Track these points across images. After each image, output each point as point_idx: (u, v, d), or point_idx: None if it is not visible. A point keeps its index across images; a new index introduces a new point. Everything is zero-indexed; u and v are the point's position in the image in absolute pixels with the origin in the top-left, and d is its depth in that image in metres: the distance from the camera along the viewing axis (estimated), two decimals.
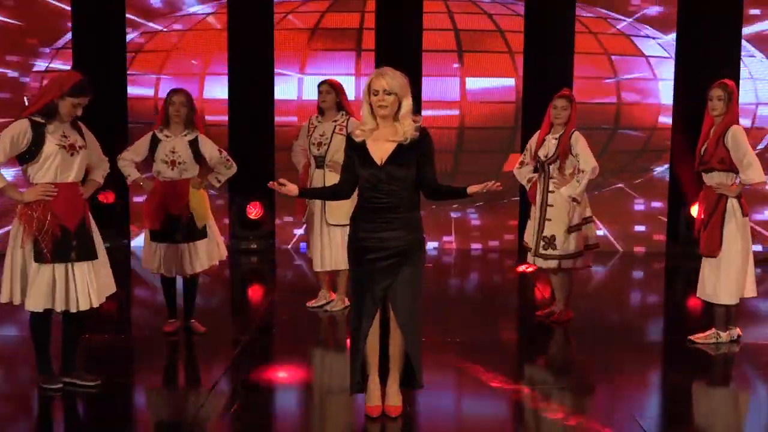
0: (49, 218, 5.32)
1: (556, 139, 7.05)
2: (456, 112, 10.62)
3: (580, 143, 7.00)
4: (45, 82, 8.73)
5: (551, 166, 7.08)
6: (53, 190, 5.33)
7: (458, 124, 10.62)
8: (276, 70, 10.55)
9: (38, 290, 5.35)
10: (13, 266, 5.37)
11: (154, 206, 6.64)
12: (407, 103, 4.96)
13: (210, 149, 6.71)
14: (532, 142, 7.23)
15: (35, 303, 5.38)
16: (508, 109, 10.57)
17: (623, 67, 10.61)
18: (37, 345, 5.56)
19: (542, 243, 7.15)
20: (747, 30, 10.36)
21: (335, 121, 7.36)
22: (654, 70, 10.56)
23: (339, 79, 7.63)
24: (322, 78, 7.71)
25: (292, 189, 5.09)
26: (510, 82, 10.50)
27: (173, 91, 6.73)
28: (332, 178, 6.84)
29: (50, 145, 5.32)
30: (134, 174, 6.70)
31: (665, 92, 10.52)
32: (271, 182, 5.08)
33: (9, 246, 5.40)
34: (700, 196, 6.69)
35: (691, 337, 6.77)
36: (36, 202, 5.32)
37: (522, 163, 7.30)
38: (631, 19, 10.55)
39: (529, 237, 7.31)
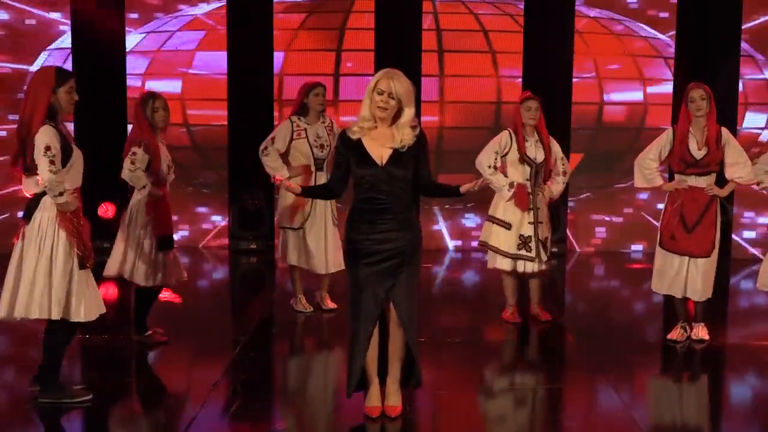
0: (82, 223, 5.30)
1: (538, 141, 7.07)
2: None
3: (557, 145, 7.18)
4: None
5: (541, 170, 7.12)
6: (77, 197, 5.29)
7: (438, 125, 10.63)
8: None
9: (91, 297, 5.29)
10: (64, 279, 5.21)
11: (167, 211, 6.57)
12: (409, 112, 4.92)
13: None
14: (503, 146, 7.03)
15: (89, 312, 5.30)
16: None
17: (645, 69, 10.62)
18: (57, 358, 5.39)
19: (541, 246, 7.14)
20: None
21: (323, 122, 7.38)
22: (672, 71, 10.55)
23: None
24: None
25: (296, 187, 5.13)
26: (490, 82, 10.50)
27: (156, 96, 6.52)
28: None
29: (76, 149, 5.29)
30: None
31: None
32: (278, 177, 5.00)
33: (52, 260, 5.20)
34: (679, 198, 6.63)
35: (669, 336, 6.81)
36: (75, 211, 5.26)
37: (495, 168, 7.02)
38: (664, 36, 10.54)
39: (510, 245, 7.09)
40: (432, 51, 10.54)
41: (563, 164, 7.26)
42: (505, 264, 7.13)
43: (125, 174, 6.37)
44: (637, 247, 10.79)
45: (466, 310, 8.09)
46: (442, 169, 10.24)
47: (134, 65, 10.58)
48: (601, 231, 10.85)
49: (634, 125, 10.65)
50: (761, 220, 10.58)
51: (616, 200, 10.78)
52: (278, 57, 10.55)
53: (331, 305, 7.63)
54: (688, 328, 6.80)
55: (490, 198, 7.27)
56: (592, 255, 10.71)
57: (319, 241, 7.39)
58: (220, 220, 10.83)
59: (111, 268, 6.50)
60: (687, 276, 6.64)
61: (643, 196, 10.59)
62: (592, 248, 10.80)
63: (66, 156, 5.20)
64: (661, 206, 10.29)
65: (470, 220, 10.86)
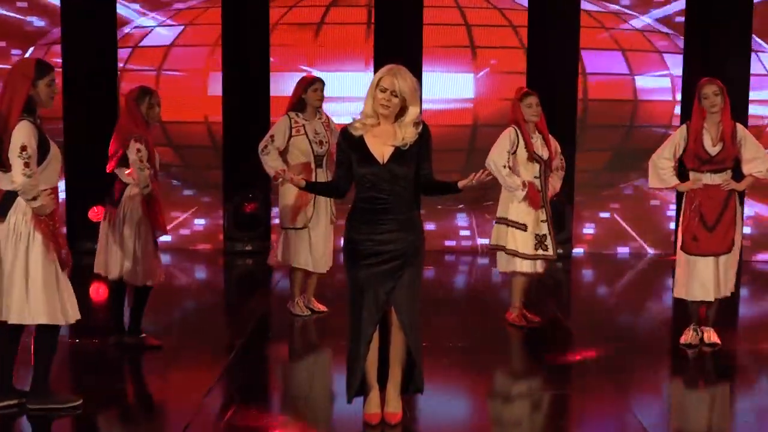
0: (58, 227, 5.17)
1: (542, 138, 7.01)
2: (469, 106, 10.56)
3: (555, 141, 7.15)
4: None
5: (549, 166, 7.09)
6: (54, 198, 5.16)
7: (472, 121, 10.53)
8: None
9: (73, 298, 5.19)
10: (48, 283, 5.08)
11: (161, 209, 6.48)
12: (414, 111, 4.85)
13: None
14: (512, 143, 6.91)
15: (75, 312, 5.21)
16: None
17: (638, 64, 10.51)
18: (48, 362, 5.27)
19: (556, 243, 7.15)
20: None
21: (320, 118, 7.31)
22: (668, 66, 10.45)
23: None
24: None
25: (300, 181, 5.08)
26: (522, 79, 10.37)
27: (152, 91, 6.45)
28: None
29: (53, 145, 5.16)
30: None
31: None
32: (281, 169, 4.94)
33: (27, 264, 5.05)
34: (697, 198, 6.51)
35: (682, 340, 6.71)
36: (51, 213, 5.12)
37: (510, 168, 6.90)
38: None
39: (528, 246, 7.00)
40: (465, 47, 10.44)
41: (561, 159, 7.27)
42: (525, 266, 7.04)
43: (138, 173, 6.21)
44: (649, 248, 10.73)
45: (468, 313, 8.03)
46: (473, 167, 10.17)
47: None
48: (607, 231, 10.75)
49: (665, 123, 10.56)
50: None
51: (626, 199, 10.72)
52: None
53: (321, 308, 7.55)
54: (699, 331, 6.68)
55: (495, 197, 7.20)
56: (599, 256, 10.63)
57: (321, 240, 7.32)
58: (214, 221, 10.76)
59: (113, 269, 6.36)
60: (717, 276, 6.54)
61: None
62: (600, 249, 10.71)
63: (43, 153, 5.06)
64: (654, 202, 10.46)
65: (461, 220, 10.81)
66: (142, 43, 10.56)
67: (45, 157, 5.07)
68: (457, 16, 10.46)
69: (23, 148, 4.93)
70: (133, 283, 6.40)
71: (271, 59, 10.37)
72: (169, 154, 10.09)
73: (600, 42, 10.49)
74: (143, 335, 6.51)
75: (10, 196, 5.07)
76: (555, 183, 7.22)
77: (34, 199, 5.00)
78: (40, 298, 5.04)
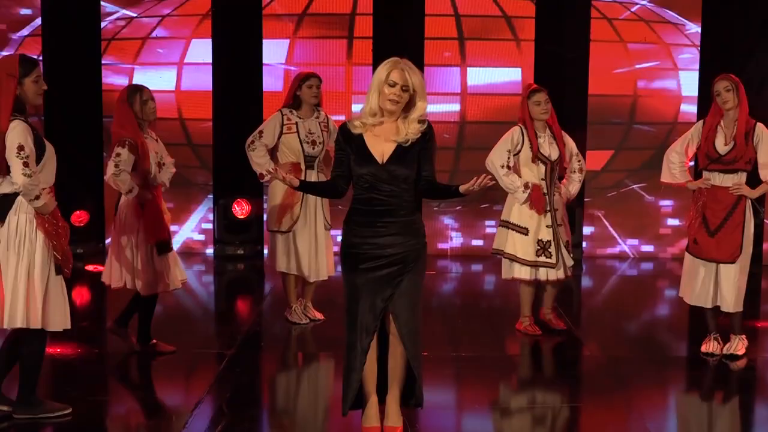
0: (61, 225, 5.11)
1: (551, 137, 6.80)
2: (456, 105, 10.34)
3: (571, 140, 6.95)
4: None
5: (557, 167, 6.86)
6: (53, 197, 5.08)
7: (459, 118, 10.34)
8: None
9: (63, 307, 5.11)
10: (38, 285, 5.00)
11: (159, 213, 6.34)
12: (422, 106, 4.73)
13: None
14: (515, 143, 6.73)
15: (62, 321, 5.10)
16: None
17: (642, 57, 10.31)
18: (36, 371, 5.20)
19: (563, 250, 6.88)
20: None
21: (317, 117, 7.12)
22: (675, 60, 10.27)
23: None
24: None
25: (293, 179, 4.91)
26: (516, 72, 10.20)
27: (143, 88, 6.32)
28: None
29: (48, 144, 5.10)
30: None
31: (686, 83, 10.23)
32: (273, 168, 4.89)
33: (30, 265, 4.98)
34: (702, 198, 6.31)
35: (703, 349, 6.50)
36: (53, 212, 5.08)
37: (509, 168, 6.72)
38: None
39: (528, 252, 6.78)
40: (509, 40, 10.26)
41: (578, 161, 7.02)
42: (523, 272, 6.84)
43: (109, 178, 6.15)
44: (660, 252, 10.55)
45: (474, 321, 7.87)
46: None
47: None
48: (618, 232, 10.59)
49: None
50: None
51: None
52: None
53: (318, 315, 7.37)
54: (719, 339, 6.48)
55: (500, 199, 7.03)
56: (611, 260, 10.49)
57: (310, 245, 7.12)
58: (205, 223, 10.59)
59: (115, 278, 6.31)
60: (716, 284, 6.33)
61: None
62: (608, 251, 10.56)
63: (40, 152, 5.02)
64: (650, 198, 10.31)
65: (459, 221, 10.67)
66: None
67: (42, 157, 5.03)
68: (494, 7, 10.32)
69: (20, 148, 4.91)
70: (143, 293, 6.35)
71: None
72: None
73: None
74: (154, 342, 6.47)
75: (8, 199, 5.02)
76: (570, 186, 6.97)
77: (37, 198, 4.98)
78: (20, 301, 4.98)
